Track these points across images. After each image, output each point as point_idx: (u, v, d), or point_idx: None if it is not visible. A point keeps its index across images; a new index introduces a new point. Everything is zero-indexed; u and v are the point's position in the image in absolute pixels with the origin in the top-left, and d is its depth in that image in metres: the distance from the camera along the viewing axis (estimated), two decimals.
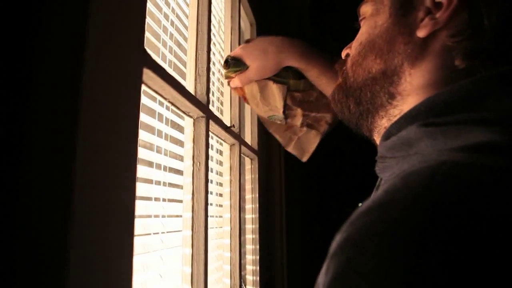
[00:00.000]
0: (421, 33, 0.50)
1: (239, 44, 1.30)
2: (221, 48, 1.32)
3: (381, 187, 0.48)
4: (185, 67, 0.93)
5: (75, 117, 0.40)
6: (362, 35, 0.58)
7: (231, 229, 1.13)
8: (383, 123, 0.55)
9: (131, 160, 0.54)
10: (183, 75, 0.94)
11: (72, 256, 0.38)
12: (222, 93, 1.27)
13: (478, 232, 0.28)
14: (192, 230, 0.82)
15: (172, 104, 0.76)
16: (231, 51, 1.24)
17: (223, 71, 0.85)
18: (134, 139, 0.55)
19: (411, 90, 0.51)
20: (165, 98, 0.72)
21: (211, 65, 1.21)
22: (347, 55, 0.63)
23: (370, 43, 0.55)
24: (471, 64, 0.48)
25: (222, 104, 1.25)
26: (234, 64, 0.82)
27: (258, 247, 1.44)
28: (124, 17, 0.52)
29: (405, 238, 0.30)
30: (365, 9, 0.58)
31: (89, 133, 0.42)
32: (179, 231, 0.86)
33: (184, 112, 0.82)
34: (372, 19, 0.56)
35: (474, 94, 0.42)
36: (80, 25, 0.41)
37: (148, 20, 0.80)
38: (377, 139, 0.57)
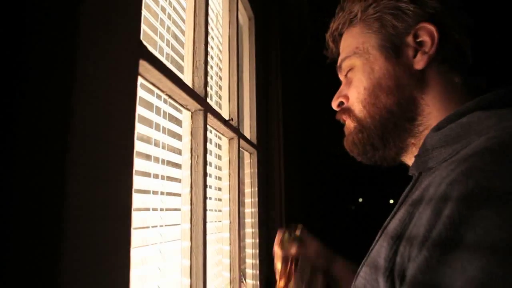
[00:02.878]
0: (418, 66, 0.61)
1: (237, 38, 1.29)
2: (219, 42, 1.31)
3: (430, 174, 0.54)
4: (183, 61, 0.93)
5: (68, 110, 0.39)
6: (360, 82, 0.66)
7: (230, 222, 1.13)
8: (409, 141, 0.64)
9: (128, 153, 0.54)
10: (180, 68, 0.93)
11: (67, 250, 0.38)
12: (220, 87, 1.26)
13: None
14: (191, 223, 0.82)
15: (170, 97, 0.75)
16: (229, 44, 1.24)
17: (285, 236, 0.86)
18: (131, 132, 0.54)
19: (431, 109, 0.61)
20: (162, 91, 0.72)
21: (209, 58, 1.20)
22: (341, 103, 0.71)
23: (376, 86, 0.64)
24: (467, 77, 0.60)
25: (221, 98, 1.25)
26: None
27: (257, 241, 1.44)
28: (119, 8, 0.51)
29: None
30: (350, 62, 0.68)
31: (83, 126, 0.42)
32: (177, 224, 0.86)
33: (181, 105, 0.82)
34: (365, 67, 0.65)
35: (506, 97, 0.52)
36: (72, 16, 0.41)
37: (145, 13, 0.79)
38: (406, 157, 0.66)
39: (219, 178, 1.23)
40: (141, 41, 0.58)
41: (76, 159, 0.41)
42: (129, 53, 0.55)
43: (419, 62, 0.60)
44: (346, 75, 0.70)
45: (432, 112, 0.61)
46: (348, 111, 0.69)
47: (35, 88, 0.40)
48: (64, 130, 0.40)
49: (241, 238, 1.22)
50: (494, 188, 0.37)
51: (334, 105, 0.72)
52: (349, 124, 0.69)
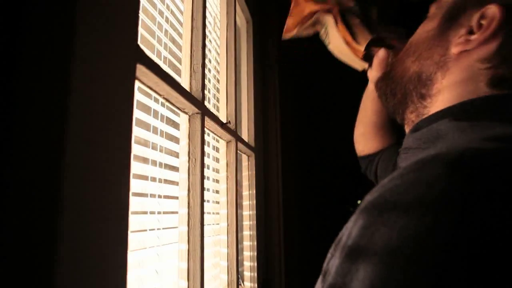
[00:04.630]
0: (454, 49, 0.56)
1: (235, 40, 1.30)
2: (216, 45, 1.32)
3: None
4: (180, 64, 0.93)
5: (63, 113, 0.39)
6: (415, 34, 0.63)
7: (228, 225, 1.14)
8: (411, 117, 0.62)
9: (125, 156, 0.54)
10: (178, 71, 0.94)
11: (62, 253, 0.38)
12: (218, 90, 1.27)
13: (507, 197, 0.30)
14: (188, 226, 0.82)
15: (167, 100, 0.76)
16: (226, 47, 1.24)
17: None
18: (128, 135, 0.55)
19: (439, 95, 0.58)
20: (159, 94, 0.72)
21: (207, 61, 1.21)
22: None
23: (416, 46, 0.62)
24: (493, 89, 0.55)
25: (219, 101, 1.25)
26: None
27: (255, 243, 1.44)
28: (116, 12, 0.52)
29: (438, 197, 0.32)
30: (431, 10, 0.64)
31: (79, 129, 0.42)
32: (175, 227, 0.86)
33: (179, 109, 0.82)
34: (428, 22, 0.62)
35: (502, 105, 0.50)
36: (68, 20, 0.41)
37: (142, 17, 0.80)
38: (406, 130, 0.64)
39: (217, 181, 1.23)
40: (138, 45, 0.58)
41: (72, 162, 0.41)
42: (126, 57, 0.55)
43: (456, 46, 0.56)
44: None
45: (438, 100, 0.58)
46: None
47: (31, 91, 0.40)
48: (59, 133, 0.40)
49: (238, 240, 1.22)
50: (392, 201, 0.34)
51: None
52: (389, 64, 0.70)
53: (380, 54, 0.71)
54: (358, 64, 0.77)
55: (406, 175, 0.37)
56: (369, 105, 0.90)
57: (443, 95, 0.57)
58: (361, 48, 0.73)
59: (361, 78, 0.94)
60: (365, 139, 0.97)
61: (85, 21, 0.44)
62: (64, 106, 0.40)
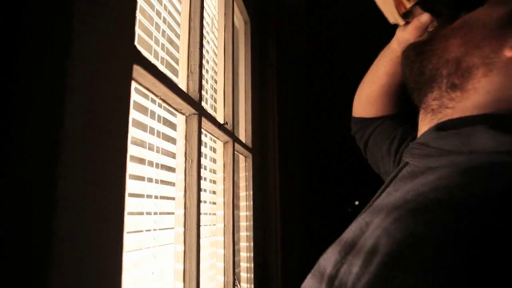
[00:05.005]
0: (509, 52, 0.52)
1: (233, 42, 1.30)
2: (214, 46, 1.32)
3: (422, 175, 0.49)
4: (178, 64, 0.93)
5: (60, 112, 0.39)
6: (472, 14, 0.56)
7: (224, 226, 1.14)
8: (432, 104, 0.57)
9: (121, 156, 0.54)
10: (175, 72, 0.94)
11: (56, 254, 0.38)
12: (215, 90, 1.27)
13: None
14: (185, 227, 0.82)
15: (164, 101, 0.76)
16: (224, 48, 1.24)
17: None
18: (124, 136, 0.55)
19: (473, 93, 0.53)
20: (156, 95, 0.72)
21: (204, 62, 1.21)
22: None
23: (469, 28, 0.55)
24: None
25: (216, 102, 1.25)
26: None
27: (252, 244, 1.44)
28: (113, 13, 0.52)
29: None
30: None
31: (75, 129, 0.42)
32: (171, 228, 0.86)
33: (176, 109, 0.82)
34: (494, 7, 0.55)
35: None
36: (64, 21, 0.41)
37: (140, 17, 0.80)
38: (421, 115, 0.60)
39: (214, 182, 1.23)
40: (135, 46, 0.58)
41: (67, 162, 0.41)
42: (123, 58, 0.55)
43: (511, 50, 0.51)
44: None
45: (470, 99, 0.53)
46: (439, 26, 0.62)
47: (26, 91, 0.40)
48: (56, 133, 0.40)
49: (235, 241, 1.22)
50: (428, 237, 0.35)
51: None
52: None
53: (423, 18, 0.63)
54: (392, 15, 0.68)
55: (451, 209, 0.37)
56: (383, 65, 0.81)
57: (477, 95, 0.53)
58: (405, 2, 0.64)
59: (361, 79, 0.93)
60: (367, 100, 0.89)
61: (82, 21, 0.44)
62: (61, 106, 0.40)
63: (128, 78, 0.58)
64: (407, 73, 0.61)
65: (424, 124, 0.59)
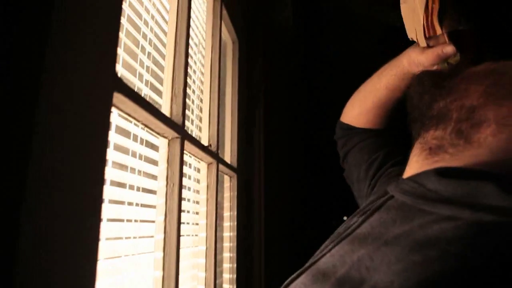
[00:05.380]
0: None
1: (220, 62, 1.30)
2: (201, 65, 1.32)
3: (418, 217, 0.48)
4: (162, 86, 0.93)
5: (30, 139, 0.39)
6: (501, 66, 0.54)
7: (206, 248, 1.12)
8: (431, 142, 0.54)
9: (99, 183, 0.53)
10: (160, 94, 0.94)
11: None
12: (201, 110, 1.27)
13: None
14: (164, 252, 0.81)
15: (146, 126, 0.76)
16: (211, 69, 1.25)
17: None
18: (102, 160, 0.54)
19: (476, 149, 0.50)
20: (138, 121, 0.72)
21: (190, 82, 1.21)
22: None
23: (496, 80, 0.52)
24: None
25: (201, 121, 1.25)
26: None
27: (235, 265, 1.42)
28: (94, 44, 0.52)
29: None
30: None
31: (49, 157, 0.42)
32: (151, 252, 0.85)
33: (158, 133, 0.82)
34: (510, 66, 0.53)
35: None
36: (38, 56, 0.41)
37: (125, 40, 0.80)
38: (417, 149, 0.57)
39: (197, 202, 1.22)
40: (116, 74, 0.58)
41: (39, 189, 0.40)
42: (103, 86, 0.55)
43: None
44: None
45: (468, 152, 0.51)
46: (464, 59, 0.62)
47: None
48: (26, 161, 0.39)
49: (218, 263, 1.21)
50: None
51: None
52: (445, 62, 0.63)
53: (448, 49, 0.61)
54: (415, 33, 0.65)
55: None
56: (386, 78, 0.79)
57: (480, 150, 0.50)
58: (437, 27, 0.61)
59: (345, 103, 0.94)
60: (359, 109, 0.87)
61: (58, 56, 0.44)
62: (34, 133, 0.39)
63: (108, 105, 0.57)
64: (415, 100, 0.58)
65: (418, 161, 0.57)
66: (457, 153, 0.52)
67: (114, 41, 0.58)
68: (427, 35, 0.63)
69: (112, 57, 0.57)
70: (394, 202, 0.53)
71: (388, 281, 0.39)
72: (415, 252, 0.41)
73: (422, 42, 0.64)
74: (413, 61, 0.67)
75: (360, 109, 0.87)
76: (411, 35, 0.68)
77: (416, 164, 0.57)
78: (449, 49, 0.60)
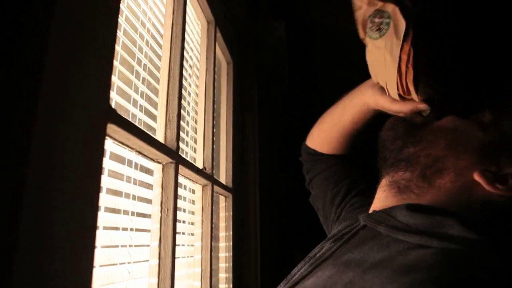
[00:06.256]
0: (476, 177, 0.59)
1: (214, 85, 1.32)
2: (196, 87, 1.34)
3: (392, 245, 0.56)
4: (157, 110, 0.94)
5: (25, 168, 0.40)
6: (463, 124, 0.64)
7: (201, 271, 1.12)
8: (400, 182, 0.64)
9: (93, 211, 0.54)
10: (155, 118, 0.95)
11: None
12: (196, 131, 1.28)
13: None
14: (159, 277, 0.81)
15: (140, 153, 0.77)
16: (205, 91, 1.26)
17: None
18: (96, 189, 0.55)
19: (437, 191, 0.61)
20: (132, 148, 0.73)
21: (185, 104, 1.23)
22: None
23: (458, 137, 0.62)
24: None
25: (196, 142, 1.26)
26: None
27: (231, 286, 1.42)
28: (88, 76, 0.53)
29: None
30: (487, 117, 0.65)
31: (42, 185, 0.42)
32: (145, 277, 0.85)
33: (152, 159, 0.83)
34: (475, 129, 0.63)
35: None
36: (32, 90, 0.42)
37: (120, 67, 0.82)
38: (385, 186, 0.67)
39: (192, 224, 1.22)
40: (109, 106, 0.59)
41: (35, 218, 0.41)
42: (97, 118, 0.56)
43: (481, 178, 0.59)
44: None
45: (432, 193, 0.61)
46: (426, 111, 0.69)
47: None
48: (20, 193, 0.40)
49: (213, 284, 1.21)
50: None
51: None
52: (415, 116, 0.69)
53: (422, 106, 0.66)
54: (384, 83, 0.68)
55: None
56: (351, 113, 0.83)
57: (440, 193, 0.61)
58: (413, 93, 0.64)
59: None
60: (325, 138, 0.93)
61: (52, 91, 0.45)
62: (27, 163, 0.40)
63: (102, 135, 0.58)
64: (388, 143, 0.68)
65: (388, 196, 0.66)
66: (421, 193, 0.62)
67: (108, 73, 0.59)
68: (401, 94, 0.66)
69: (106, 89, 0.59)
70: (367, 231, 0.62)
71: None
72: (403, 275, 0.47)
73: (395, 95, 0.67)
74: (382, 107, 0.72)
75: (326, 137, 0.93)
76: (378, 81, 0.70)
77: (385, 199, 0.66)
78: (423, 107, 0.66)
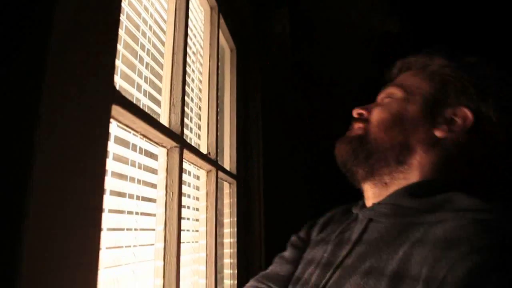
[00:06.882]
0: (438, 133, 0.69)
1: (217, 71, 1.32)
2: (199, 74, 1.33)
3: (415, 229, 0.61)
4: (161, 95, 0.94)
5: (32, 152, 0.40)
6: (390, 108, 0.75)
7: (206, 255, 1.13)
8: (383, 178, 0.72)
9: (99, 195, 0.54)
10: (159, 103, 0.95)
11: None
12: (200, 117, 1.28)
13: None
14: (164, 261, 0.82)
15: (144, 136, 0.77)
16: (209, 77, 1.26)
17: None
18: (102, 172, 0.55)
19: (419, 168, 0.69)
20: (136, 131, 0.73)
21: (189, 90, 1.22)
22: (362, 114, 0.80)
23: (399, 120, 0.73)
24: (467, 172, 0.68)
25: (200, 129, 1.26)
26: None
27: (236, 272, 1.43)
28: (92, 56, 0.53)
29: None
30: (394, 92, 0.77)
31: (48, 169, 0.43)
32: (151, 260, 0.86)
33: (157, 143, 0.83)
34: (402, 103, 0.74)
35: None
36: (39, 62, 0.42)
37: (123, 51, 0.81)
38: (370, 185, 0.75)
39: (197, 209, 1.23)
40: (114, 87, 0.59)
41: (39, 201, 0.41)
42: (101, 99, 0.56)
43: (440, 131, 0.69)
44: (383, 98, 0.80)
45: (416, 170, 0.69)
46: (364, 122, 0.78)
47: None
48: (26, 178, 0.40)
49: (218, 269, 1.22)
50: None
51: (356, 112, 0.82)
52: (357, 130, 0.79)
53: None
54: None
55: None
56: None
57: (422, 166, 0.69)
58: None
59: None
60: None
61: (58, 70, 0.45)
62: (33, 145, 0.40)
63: (107, 117, 0.59)
64: (350, 159, 0.77)
65: (377, 195, 0.73)
66: (408, 176, 0.71)
67: (112, 54, 0.59)
68: None
69: (110, 70, 0.59)
70: (377, 224, 0.68)
71: (442, 276, 0.50)
72: (449, 250, 0.51)
73: None
74: None
75: None
76: None
77: (375, 196, 0.74)
78: None
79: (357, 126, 0.80)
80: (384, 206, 0.68)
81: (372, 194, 0.76)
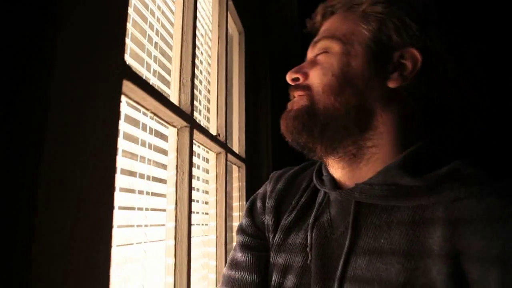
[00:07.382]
0: (391, 84, 0.60)
1: (226, 53, 1.30)
2: (208, 56, 1.32)
3: (455, 202, 0.54)
4: (170, 76, 0.94)
5: (42, 128, 0.40)
6: (331, 68, 0.62)
7: (216, 237, 1.13)
8: (350, 149, 0.61)
9: (110, 171, 0.54)
10: (168, 84, 0.94)
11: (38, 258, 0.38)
12: (209, 101, 1.27)
13: None
14: (175, 240, 0.82)
15: (155, 114, 0.76)
16: (218, 59, 1.25)
17: None
18: (114, 149, 0.55)
19: (386, 130, 0.60)
20: (147, 109, 0.73)
21: (198, 73, 1.21)
22: (297, 79, 0.67)
23: (346, 80, 0.61)
24: (429, 120, 0.61)
25: (209, 112, 1.25)
26: None
27: None
28: (102, 29, 0.52)
29: None
30: (329, 45, 0.64)
31: (60, 144, 0.42)
32: (162, 240, 0.86)
33: (167, 122, 0.82)
34: (342, 57, 0.62)
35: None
36: (50, 35, 0.41)
37: (132, 30, 0.80)
38: (335, 160, 0.64)
39: (207, 192, 1.23)
40: (125, 62, 0.58)
41: (51, 179, 0.41)
42: (112, 73, 0.55)
43: (393, 81, 0.60)
44: (317, 55, 0.66)
45: (384, 133, 0.60)
46: (305, 89, 0.65)
47: (7, 108, 0.41)
48: (39, 149, 0.40)
49: (228, 252, 1.22)
50: None
51: (290, 78, 0.68)
52: (300, 101, 0.65)
53: None
54: None
55: None
56: None
57: (387, 126, 0.60)
58: None
59: None
60: None
61: (68, 39, 0.44)
62: (45, 120, 0.40)
63: (118, 93, 0.58)
64: (302, 137, 0.64)
65: (347, 171, 0.63)
66: (379, 142, 0.62)
67: (122, 30, 0.58)
68: None
69: (121, 45, 0.58)
70: (375, 209, 0.58)
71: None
72: (468, 226, 0.49)
73: None
74: None
75: None
76: None
77: (346, 172, 0.65)
78: None
79: (298, 95, 0.66)
80: (377, 187, 0.57)
81: (341, 168, 0.64)
